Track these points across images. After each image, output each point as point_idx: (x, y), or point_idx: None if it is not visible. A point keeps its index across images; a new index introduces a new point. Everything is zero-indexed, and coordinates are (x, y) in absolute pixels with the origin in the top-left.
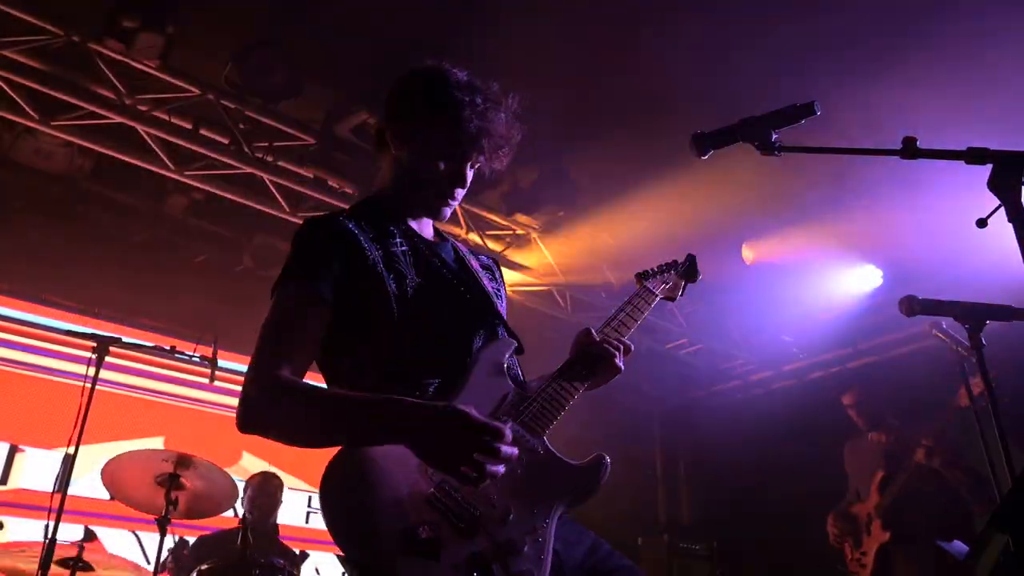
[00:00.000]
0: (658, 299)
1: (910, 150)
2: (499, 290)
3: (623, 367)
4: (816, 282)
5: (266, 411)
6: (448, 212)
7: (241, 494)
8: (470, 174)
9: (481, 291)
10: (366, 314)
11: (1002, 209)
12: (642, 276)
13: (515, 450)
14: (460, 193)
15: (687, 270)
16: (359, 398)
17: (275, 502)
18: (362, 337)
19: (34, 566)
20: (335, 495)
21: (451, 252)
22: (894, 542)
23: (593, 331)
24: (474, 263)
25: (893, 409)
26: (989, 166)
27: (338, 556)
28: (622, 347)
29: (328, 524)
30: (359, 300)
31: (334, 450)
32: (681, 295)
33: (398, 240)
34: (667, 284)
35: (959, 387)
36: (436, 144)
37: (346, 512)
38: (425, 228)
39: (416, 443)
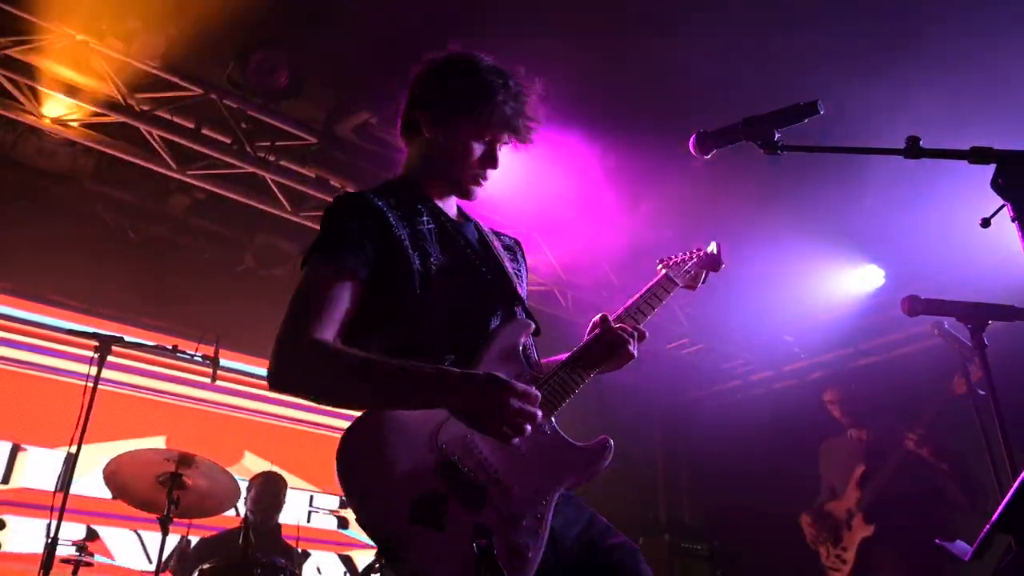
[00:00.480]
0: (679, 287)
1: (913, 149)
2: (520, 271)
3: (636, 354)
4: (818, 282)
5: (303, 368)
6: (478, 192)
7: (244, 493)
8: (501, 155)
9: (502, 272)
10: (390, 289)
11: (1006, 209)
12: (664, 263)
13: (540, 412)
14: (491, 174)
15: (711, 258)
16: (401, 362)
17: (279, 502)
18: (384, 311)
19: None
20: (350, 461)
21: (475, 232)
22: (878, 536)
23: (609, 317)
24: (496, 244)
25: (895, 409)
26: (993, 166)
27: (339, 556)
28: (636, 334)
29: (343, 488)
30: (385, 275)
31: (333, 453)
32: (703, 283)
33: (425, 218)
34: (689, 273)
35: (954, 376)
36: (471, 126)
37: (359, 479)
38: (450, 207)
39: (458, 405)
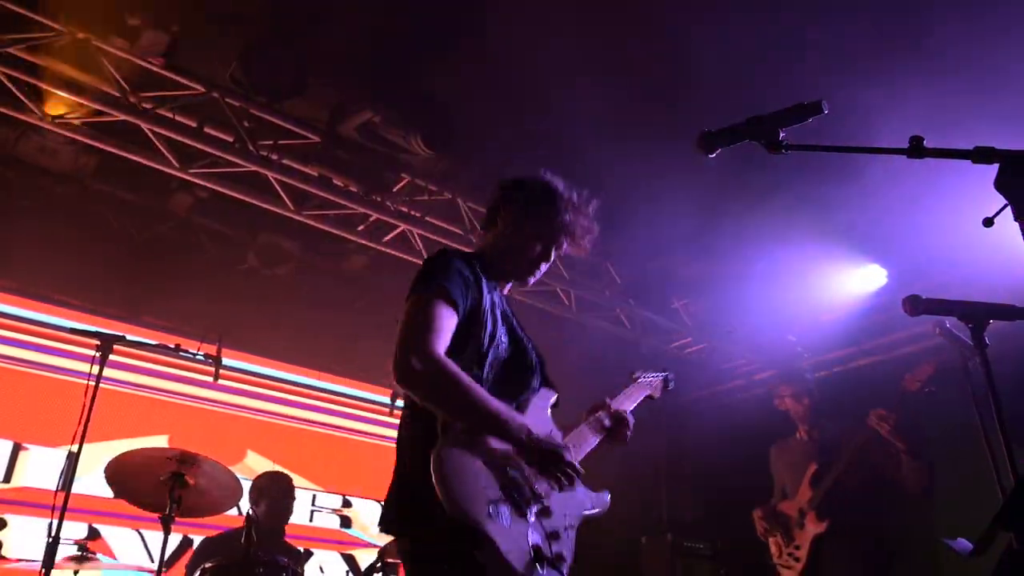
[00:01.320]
0: (647, 394)
1: (917, 149)
2: None
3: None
4: (820, 281)
5: (429, 375)
6: (532, 281)
7: (253, 493)
8: (555, 255)
9: (535, 350)
10: (467, 336)
11: (1009, 208)
12: (639, 376)
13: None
14: (545, 267)
15: (666, 381)
16: (499, 404)
17: (290, 510)
18: (457, 347)
19: None
20: (446, 470)
21: (515, 320)
22: (831, 533)
23: (608, 401)
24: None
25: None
26: (996, 165)
27: (342, 555)
28: (629, 422)
29: (439, 488)
30: (468, 323)
31: (336, 452)
32: (658, 397)
33: (496, 295)
34: (653, 386)
35: (907, 373)
36: (536, 229)
37: (455, 483)
38: (502, 290)
39: (529, 454)
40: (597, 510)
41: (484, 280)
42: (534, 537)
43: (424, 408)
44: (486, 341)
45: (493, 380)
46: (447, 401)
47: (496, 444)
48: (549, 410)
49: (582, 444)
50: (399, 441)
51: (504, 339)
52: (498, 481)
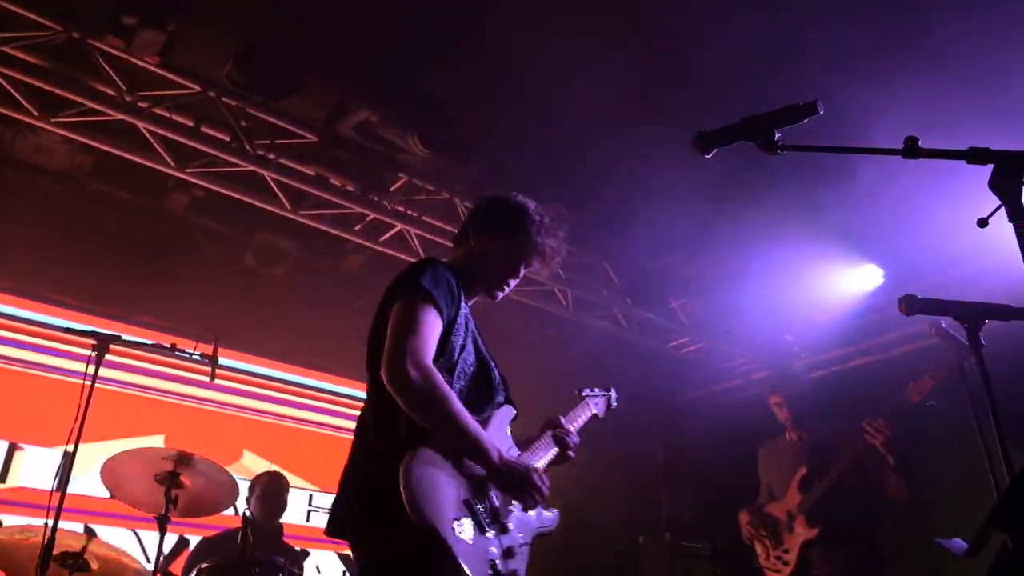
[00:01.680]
0: (592, 412)
1: (912, 150)
2: None
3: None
4: (817, 281)
5: (422, 387)
6: (500, 296)
7: (247, 493)
8: (523, 272)
9: (498, 368)
10: (443, 345)
11: (1003, 209)
12: (586, 393)
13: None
14: (514, 283)
15: (609, 401)
16: (477, 425)
17: (283, 503)
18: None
19: (32, 547)
20: (413, 484)
21: (477, 333)
22: (821, 538)
23: (562, 420)
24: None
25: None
26: (990, 166)
27: (339, 555)
28: (575, 444)
29: (407, 499)
30: (445, 332)
31: (333, 452)
32: (602, 416)
33: (467, 310)
34: (599, 405)
35: (909, 384)
36: (508, 248)
37: (423, 495)
38: (470, 304)
39: (500, 475)
40: (548, 528)
41: (462, 292)
42: (492, 554)
43: (393, 419)
44: (457, 352)
45: (460, 391)
46: (434, 415)
47: (464, 460)
48: (508, 427)
49: (539, 461)
50: (363, 449)
51: (471, 353)
52: (463, 497)
